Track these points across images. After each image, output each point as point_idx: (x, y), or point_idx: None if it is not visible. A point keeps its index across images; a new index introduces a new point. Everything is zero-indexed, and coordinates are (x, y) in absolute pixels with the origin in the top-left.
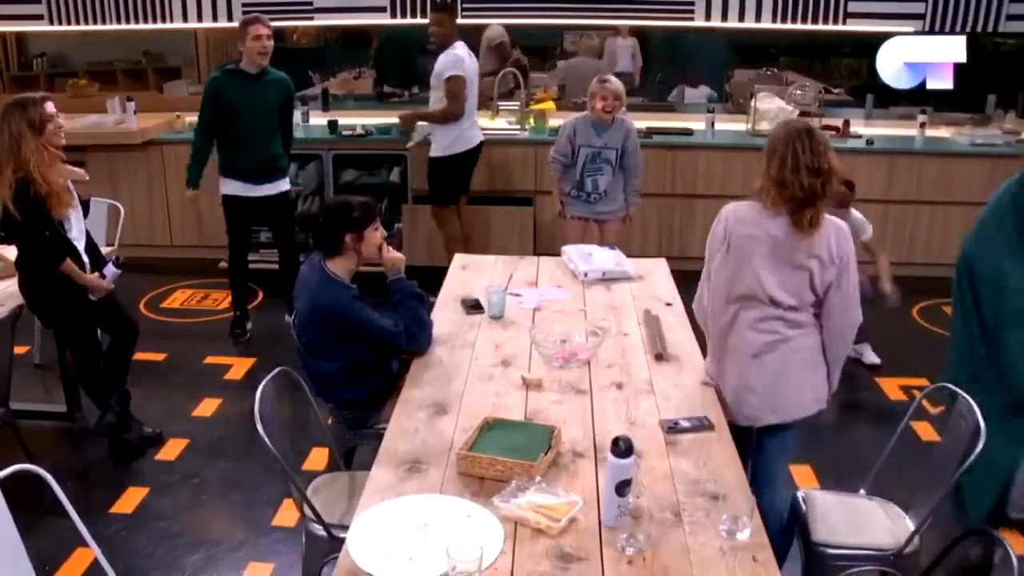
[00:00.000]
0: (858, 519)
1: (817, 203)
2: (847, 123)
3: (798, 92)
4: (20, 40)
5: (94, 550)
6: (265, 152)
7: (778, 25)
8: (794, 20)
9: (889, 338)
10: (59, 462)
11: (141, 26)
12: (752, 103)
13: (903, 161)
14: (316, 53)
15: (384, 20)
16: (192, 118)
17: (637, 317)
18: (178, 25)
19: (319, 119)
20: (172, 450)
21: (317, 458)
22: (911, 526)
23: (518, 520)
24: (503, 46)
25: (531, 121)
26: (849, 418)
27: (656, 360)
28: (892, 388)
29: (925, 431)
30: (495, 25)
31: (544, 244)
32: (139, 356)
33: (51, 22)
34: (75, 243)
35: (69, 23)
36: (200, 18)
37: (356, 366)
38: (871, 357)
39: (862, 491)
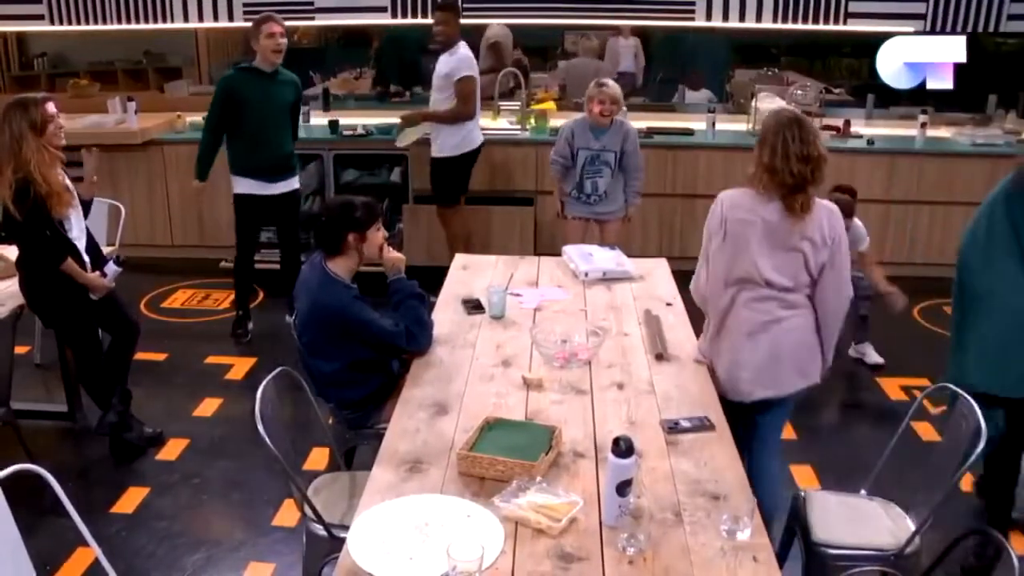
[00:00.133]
0: (859, 519)
1: (808, 188)
2: (848, 123)
3: (799, 92)
4: (21, 40)
5: (95, 550)
6: (279, 150)
7: (779, 25)
8: (795, 20)
9: (890, 338)
10: (60, 462)
11: (142, 26)
12: (753, 103)
13: (904, 161)
14: (317, 53)
15: (385, 20)
16: (193, 118)
17: (638, 317)
18: (179, 25)
19: (320, 119)
20: (173, 450)
21: (318, 458)
22: (912, 526)
23: (519, 520)
24: (498, 46)
25: (532, 121)
26: (850, 418)
27: (657, 360)
28: (893, 388)
29: (926, 431)
30: (494, 25)
31: (545, 244)
32: (140, 356)
33: (52, 22)
34: (76, 243)
35: (70, 23)
36: (201, 18)
37: (356, 366)
38: (874, 357)
39: (863, 491)
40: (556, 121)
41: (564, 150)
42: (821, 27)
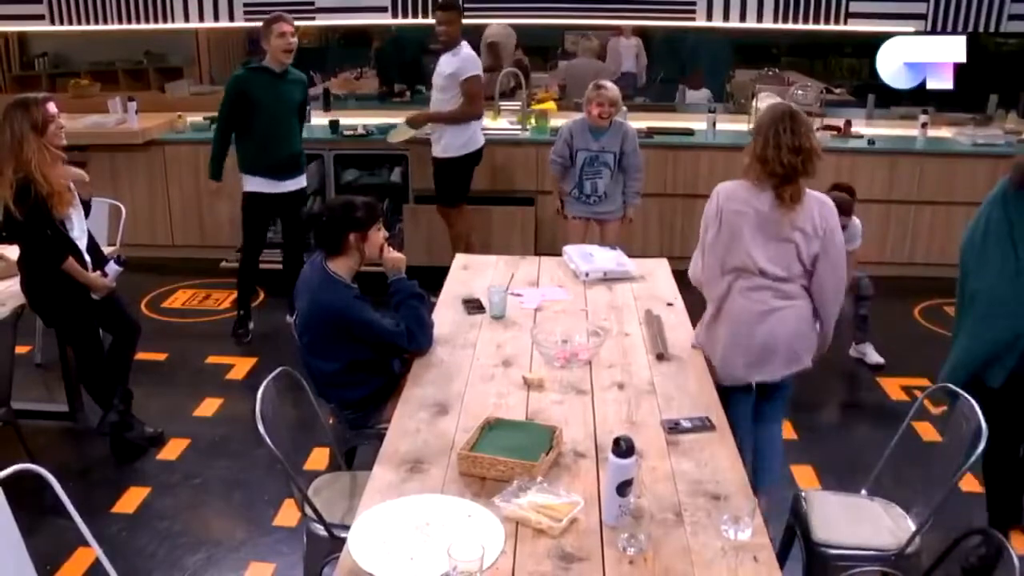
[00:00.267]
0: (859, 519)
1: (798, 180)
2: (848, 123)
3: (799, 92)
4: (22, 40)
5: (95, 550)
6: (289, 148)
7: (779, 25)
8: (795, 20)
9: (890, 338)
10: (60, 462)
11: (142, 26)
12: (753, 103)
13: (904, 161)
14: (317, 53)
15: (385, 20)
16: (194, 118)
17: (638, 317)
18: (179, 25)
19: (320, 119)
20: (173, 450)
21: (318, 458)
22: (912, 526)
23: (519, 520)
24: (496, 46)
25: (532, 121)
26: (850, 418)
27: (657, 360)
28: (893, 388)
29: (926, 431)
30: (493, 25)
31: (545, 244)
32: (140, 356)
33: (52, 22)
34: (77, 242)
35: (70, 23)
36: (201, 18)
37: (357, 366)
38: (875, 357)
39: (863, 491)
40: (556, 121)
41: (563, 151)
42: (822, 27)
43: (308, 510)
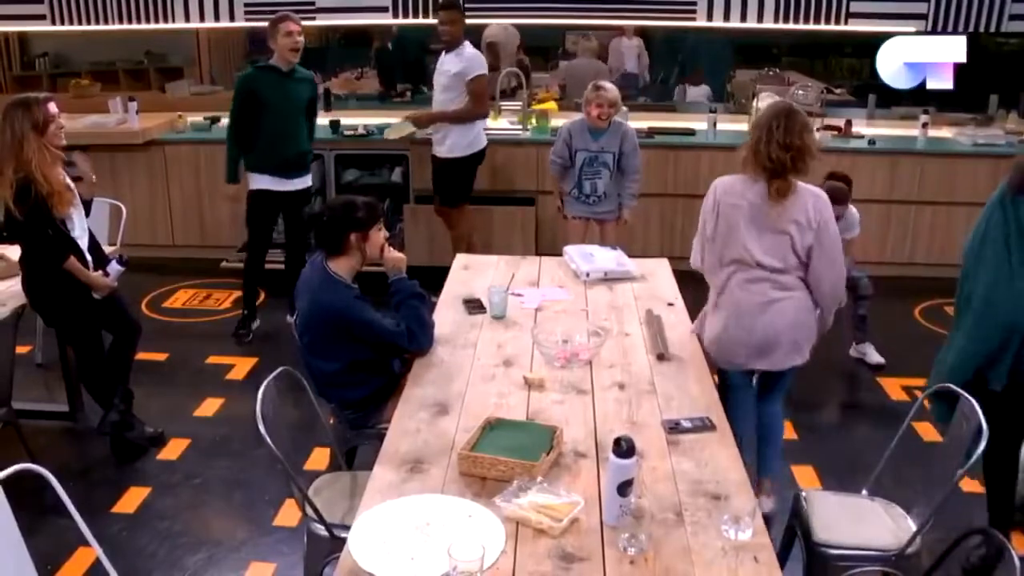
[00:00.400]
0: (860, 519)
1: (787, 175)
2: (849, 123)
3: (800, 92)
4: (23, 40)
5: (96, 550)
6: (297, 147)
7: (780, 25)
8: (796, 20)
9: (891, 338)
10: (61, 462)
11: (143, 26)
12: (754, 103)
13: (905, 161)
14: (318, 53)
15: (386, 20)
16: (194, 118)
17: (639, 317)
18: (180, 25)
19: (321, 119)
20: (174, 450)
21: (319, 458)
22: (913, 526)
23: (520, 520)
24: (495, 46)
25: (533, 121)
26: (851, 419)
27: (658, 360)
28: (894, 388)
29: (927, 431)
30: (493, 25)
31: (546, 244)
32: (141, 356)
33: (53, 22)
34: (78, 241)
35: (71, 23)
36: (202, 18)
37: (357, 366)
38: (875, 357)
39: (864, 491)
40: (557, 121)
41: (563, 151)
42: (822, 27)
43: (309, 510)
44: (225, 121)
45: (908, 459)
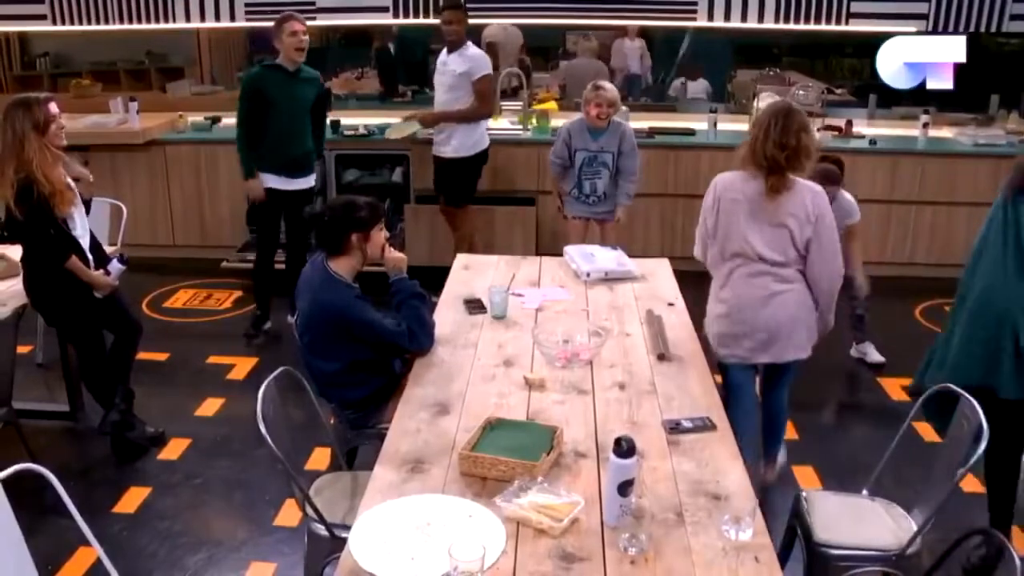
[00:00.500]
0: (860, 519)
1: (782, 173)
2: (850, 123)
3: (800, 92)
4: (23, 40)
5: (96, 550)
6: (301, 146)
7: (781, 25)
8: (796, 20)
9: (891, 338)
10: (61, 462)
11: (144, 26)
12: (755, 103)
13: (906, 161)
14: (319, 53)
15: (387, 20)
16: (195, 118)
17: (639, 317)
18: (181, 25)
19: None
20: (174, 450)
21: (319, 458)
22: (914, 526)
23: (520, 520)
24: (494, 47)
25: (534, 121)
26: (851, 419)
27: (658, 360)
28: (894, 388)
29: (927, 432)
30: (493, 25)
31: (547, 244)
32: (141, 356)
33: (54, 22)
34: (80, 240)
35: (72, 23)
36: (203, 18)
37: (358, 366)
38: (875, 356)
39: (864, 492)
40: (558, 121)
41: (562, 151)
42: (823, 27)
43: (309, 510)
44: (226, 121)
45: (909, 459)
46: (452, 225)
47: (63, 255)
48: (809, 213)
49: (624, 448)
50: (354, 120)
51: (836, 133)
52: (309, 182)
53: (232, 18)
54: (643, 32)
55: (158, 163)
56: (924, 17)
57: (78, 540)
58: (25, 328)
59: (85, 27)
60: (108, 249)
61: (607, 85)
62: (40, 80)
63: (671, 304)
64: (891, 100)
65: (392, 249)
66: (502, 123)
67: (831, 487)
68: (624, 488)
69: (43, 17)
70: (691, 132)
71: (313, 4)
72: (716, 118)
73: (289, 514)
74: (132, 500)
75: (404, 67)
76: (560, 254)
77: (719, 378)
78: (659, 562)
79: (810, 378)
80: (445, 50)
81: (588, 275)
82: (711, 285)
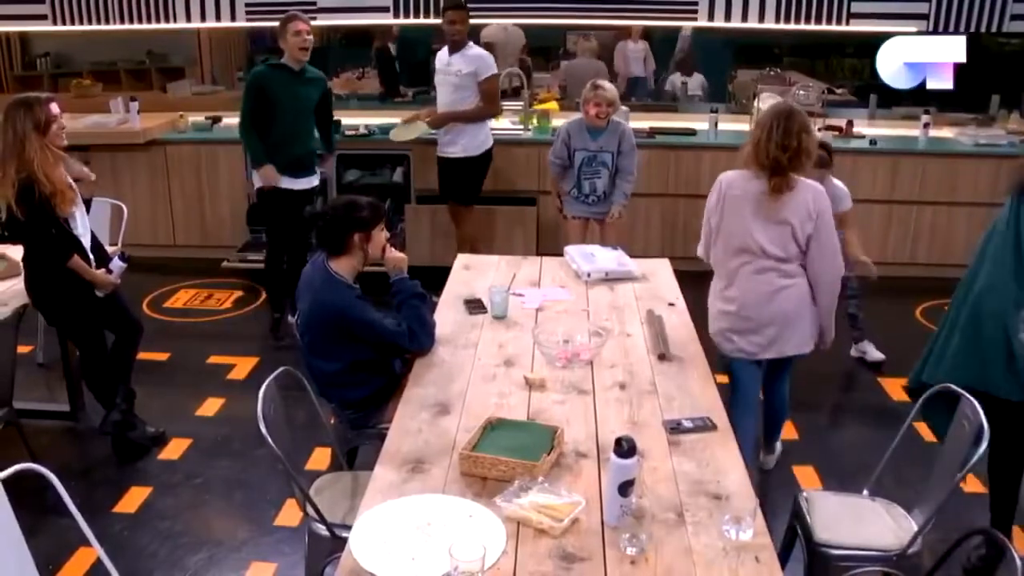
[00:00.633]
0: (861, 520)
1: (784, 173)
2: (850, 123)
3: (801, 92)
4: (24, 40)
5: (97, 550)
6: (306, 146)
7: (781, 25)
8: (797, 20)
9: (892, 338)
10: (62, 461)
11: (144, 26)
12: (755, 103)
13: (906, 161)
14: (319, 53)
15: (388, 20)
16: (195, 118)
17: (640, 317)
18: (181, 25)
19: None
20: (175, 450)
21: (320, 458)
22: (914, 527)
23: (520, 520)
24: (492, 47)
25: (534, 121)
26: (852, 419)
27: (659, 360)
28: (895, 389)
29: (928, 432)
30: (492, 25)
31: (547, 244)
32: (142, 356)
33: (55, 22)
34: (81, 239)
35: (73, 23)
36: (203, 18)
37: (358, 366)
38: (875, 354)
39: (865, 492)
40: (558, 121)
41: (561, 151)
42: (824, 27)
43: (310, 510)
44: (227, 121)
45: (909, 459)
46: (457, 224)
47: (65, 254)
48: (811, 211)
49: (625, 448)
50: (355, 120)
51: (837, 133)
52: (312, 182)
53: (233, 18)
54: (646, 34)
55: (159, 163)
56: (924, 17)
57: (79, 540)
58: (26, 328)
59: (86, 27)
60: (109, 249)
61: (606, 84)
62: (41, 80)
63: (672, 304)
64: (892, 100)
65: (393, 249)
66: (503, 123)
67: (831, 487)
68: (625, 488)
69: (44, 17)
70: (692, 132)
71: (314, 4)
72: (717, 118)
73: (290, 514)
74: (133, 500)
75: (404, 67)
76: (560, 254)
77: (720, 378)
78: (659, 562)
79: (810, 378)
80: (446, 50)
81: (589, 275)
82: (712, 283)
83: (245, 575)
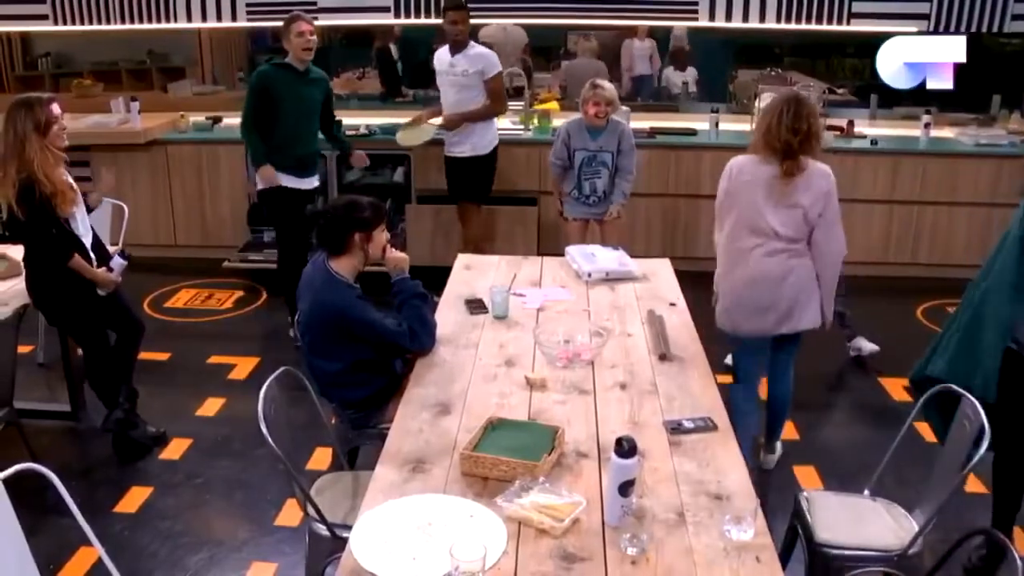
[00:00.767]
0: (862, 520)
1: (796, 156)
2: (851, 123)
3: (802, 92)
4: (25, 40)
5: (98, 549)
6: (310, 146)
7: (782, 25)
8: (798, 20)
9: (892, 338)
10: (63, 461)
11: (145, 26)
12: (756, 103)
13: (907, 161)
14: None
15: (388, 20)
16: (196, 118)
17: (641, 317)
18: (182, 25)
19: None
20: (176, 450)
21: (320, 458)
22: (915, 527)
23: (521, 520)
24: (490, 47)
25: (535, 121)
26: (852, 419)
27: (660, 360)
28: (895, 389)
29: (928, 432)
30: (492, 25)
31: (548, 244)
32: (143, 355)
33: (56, 22)
34: (82, 239)
35: (74, 23)
36: (204, 18)
37: (359, 366)
38: (868, 347)
39: (866, 492)
40: (559, 121)
41: (561, 152)
42: (824, 27)
43: (310, 510)
44: (228, 121)
45: (910, 459)
46: (465, 224)
47: (66, 254)
48: (822, 192)
49: (625, 448)
50: (356, 120)
51: (838, 133)
52: (314, 182)
53: (233, 18)
54: (652, 32)
55: (159, 163)
56: (925, 17)
57: (79, 540)
58: (26, 328)
59: (86, 27)
60: (110, 249)
61: (605, 84)
62: (42, 80)
63: (672, 304)
64: (892, 100)
65: (394, 249)
66: (503, 123)
67: (832, 487)
68: (625, 488)
69: (45, 17)
70: (692, 132)
71: (315, 4)
72: (718, 118)
73: (290, 514)
74: (133, 500)
75: (405, 67)
76: (561, 254)
77: (720, 378)
78: (660, 562)
79: (811, 378)
80: (446, 50)
81: (589, 275)
82: (720, 265)
83: (246, 575)
